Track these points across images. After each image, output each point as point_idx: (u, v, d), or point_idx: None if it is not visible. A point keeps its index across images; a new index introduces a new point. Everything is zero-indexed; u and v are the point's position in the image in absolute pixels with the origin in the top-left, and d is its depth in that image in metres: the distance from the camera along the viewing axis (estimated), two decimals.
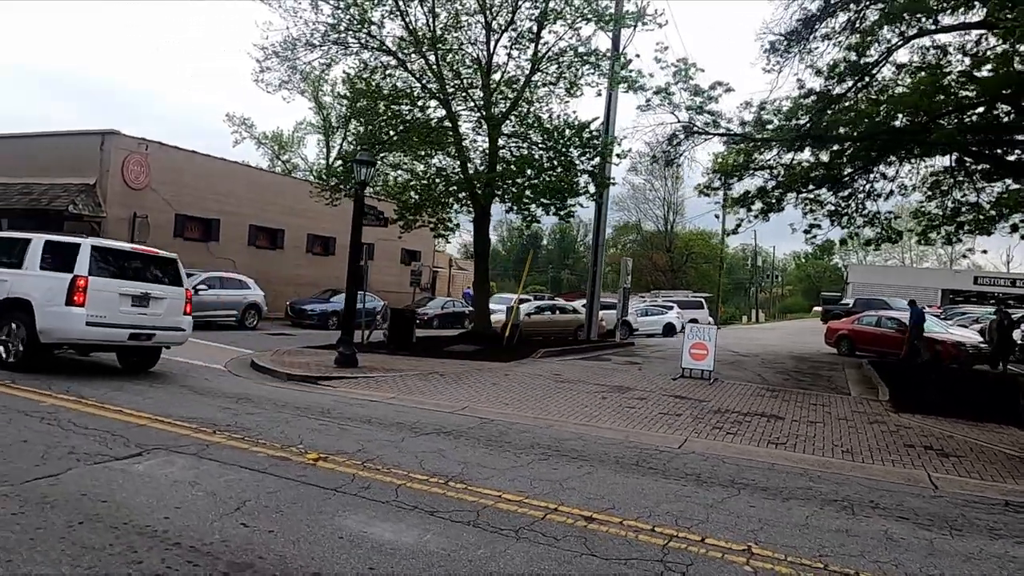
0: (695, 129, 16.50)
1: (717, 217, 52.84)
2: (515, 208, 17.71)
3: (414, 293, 31.44)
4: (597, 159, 17.42)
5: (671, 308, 35.04)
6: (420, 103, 17.75)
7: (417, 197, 19.43)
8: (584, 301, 24.24)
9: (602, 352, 18.56)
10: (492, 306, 37.88)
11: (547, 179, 16.61)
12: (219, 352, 15.26)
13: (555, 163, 16.44)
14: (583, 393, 11.21)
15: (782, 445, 8.33)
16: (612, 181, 17.08)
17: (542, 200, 16.53)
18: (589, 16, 16.25)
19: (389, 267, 34.56)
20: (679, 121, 16.94)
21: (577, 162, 16.89)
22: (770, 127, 17.50)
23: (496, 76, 17.77)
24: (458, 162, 18.08)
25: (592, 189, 17.41)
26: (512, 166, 16.97)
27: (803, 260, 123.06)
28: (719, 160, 18.93)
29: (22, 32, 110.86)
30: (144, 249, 10.92)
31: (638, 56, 14.91)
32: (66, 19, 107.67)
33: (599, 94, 19.00)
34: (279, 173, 41.52)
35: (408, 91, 17.43)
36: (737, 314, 60.54)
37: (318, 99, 57.73)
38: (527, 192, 16.93)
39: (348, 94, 18.36)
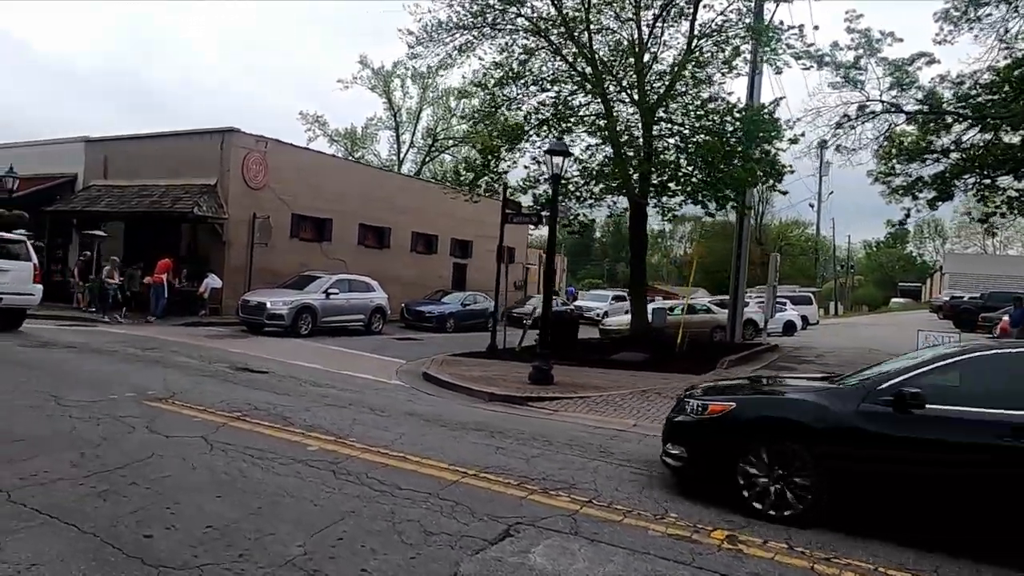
0: (894, 107, 14.54)
1: (812, 206, 50.04)
2: (664, 200, 16.09)
3: (520, 291, 30.20)
4: (763, 145, 15.62)
5: (784, 305, 32.86)
6: (571, 88, 16.25)
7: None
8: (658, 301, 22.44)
9: (772, 358, 16.80)
10: (589, 303, 36.43)
11: (721, 170, 14.91)
12: (369, 362, 14.16)
13: (722, 151, 14.71)
14: None
15: None
16: (790, 169, 15.28)
17: (709, 193, 14.81)
18: None
19: (487, 265, 33.30)
20: (870, 99, 15.00)
21: (751, 151, 15.12)
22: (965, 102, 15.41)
23: (650, 57, 16.19)
24: (610, 150, 16.53)
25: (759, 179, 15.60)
26: (677, 156, 15.32)
27: (875, 248, 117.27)
28: (899, 142, 16.87)
29: (61, 29, 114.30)
30: None
31: (816, 29, 13.55)
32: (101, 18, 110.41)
33: (757, 72, 17.23)
34: (385, 169, 40.57)
35: (561, 75, 15.95)
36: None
37: (389, 95, 57.40)
38: (689, 185, 15.26)
39: (490, 81, 16.97)
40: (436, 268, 29.61)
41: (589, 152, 17.88)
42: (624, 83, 16.35)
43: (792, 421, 5.26)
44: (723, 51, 15.96)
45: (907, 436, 4.82)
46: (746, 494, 5.17)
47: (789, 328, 29.69)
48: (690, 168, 15.02)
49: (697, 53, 16.03)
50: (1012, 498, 4.49)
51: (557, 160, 11.11)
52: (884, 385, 5.09)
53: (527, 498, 5.19)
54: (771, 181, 15.25)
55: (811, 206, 47.22)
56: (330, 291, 18.48)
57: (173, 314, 19.09)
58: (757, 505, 5.11)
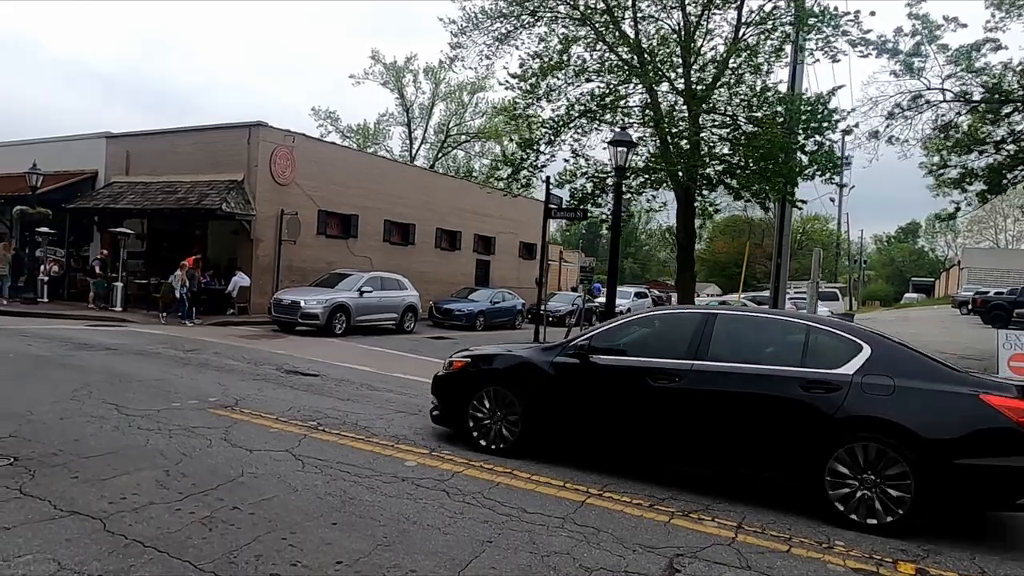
0: (962, 96, 13.92)
1: (833, 200, 49.25)
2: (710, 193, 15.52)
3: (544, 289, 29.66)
4: (815, 136, 15.02)
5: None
6: (618, 78, 15.66)
7: (591, 185, 17.41)
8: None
9: None
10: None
11: (777, 162, 14.33)
12: (412, 363, 13.64)
13: (779, 142, 14.11)
14: None
15: None
16: (848, 160, 14.68)
17: (763, 186, 14.21)
18: None
19: (509, 261, 32.84)
20: (931, 87, 14.38)
21: (805, 141, 14.52)
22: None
23: (696, 45, 15.62)
24: (656, 142, 15.96)
25: (813, 172, 14.99)
26: (731, 147, 14.73)
27: (886, 243, 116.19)
28: (955, 133, 16.22)
29: (75, 30, 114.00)
30: None
31: (873, 15, 13.19)
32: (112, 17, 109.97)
33: (799, 62, 16.59)
34: (410, 164, 39.88)
35: (604, 65, 15.37)
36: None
37: (401, 90, 56.85)
38: (743, 177, 14.67)
39: (528, 72, 16.38)
40: (459, 265, 29.09)
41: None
42: (669, 73, 15.78)
43: (505, 370, 6.44)
44: (771, 38, 15.39)
45: (585, 380, 5.98)
46: (475, 434, 6.33)
47: None
48: (745, 160, 14.41)
49: (744, 42, 15.49)
50: (653, 424, 5.68)
51: (621, 151, 10.54)
52: (574, 342, 6.28)
53: (670, 522, 4.66)
54: (828, 174, 14.64)
55: (832, 200, 46.38)
56: (363, 289, 17.96)
57: (202, 313, 18.62)
58: (482, 442, 6.27)
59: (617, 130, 12.31)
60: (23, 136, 34.15)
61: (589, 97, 16.33)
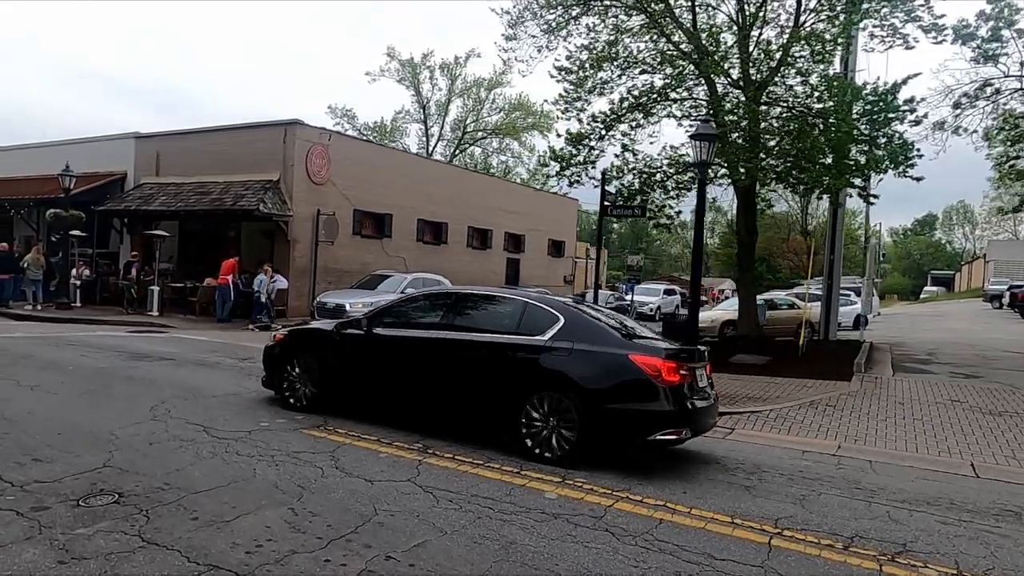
0: None
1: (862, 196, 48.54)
2: (782, 187, 14.83)
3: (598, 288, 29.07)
4: (885, 128, 14.31)
5: (850, 297, 31.45)
6: (672, 67, 15.02)
7: (639, 181, 16.79)
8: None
9: (887, 358, 15.52)
10: (641, 298, 35.02)
11: (848, 156, 13.66)
12: None
13: (851, 136, 13.42)
14: None
15: None
16: (918, 153, 13.92)
17: (835, 181, 13.51)
18: None
19: (538, 259, 32.24)
20: (1007, 74, 13.67)
21: (876, 133, 13.83)
22: None
23: (757, 34, 14.98)
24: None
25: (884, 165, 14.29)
26: (796, 140, 14.04)
27: (902, 236, 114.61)
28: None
29: (84, 34, 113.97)
30: None
31: None
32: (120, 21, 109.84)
33: (851, 51, 15.93)
34: (442, 161, 39.18)
35: (666, 54, 14.73)
36: None
37: (417, 87, 56.26)
38: (813, 171, 13.98)
39: (578, 65, 15.76)
40: (491, 264, 28.52)
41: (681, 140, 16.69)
42: (725, 64, 15.12)
43: (310, 342, 7.68)
44: (833, 26, 14.71)
45: (372, 346, 7.15)
46: (287, 394, 7.57)
47: (858, 322, 28.31)
48: (812, 153, 13.72)
49: (804, 29, 14.82)
50: (415, 382, 6.85)
51: (705, 145, 9.88)
52: (359, 316, 7.77)
53: (882, 571, 4.06)
54: (901, 167, 13.93)
55: (862, 196, 45.39)
56: (406, 291, 17.39)
57: (237, 316, 18.15)
58: (292, 400, 7.53)
59: (695, 124, 11.66)
60: (31, 138, 33.80)
61: (638, 92, 15.75)
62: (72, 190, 18.78)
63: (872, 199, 14.14)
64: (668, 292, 36.82)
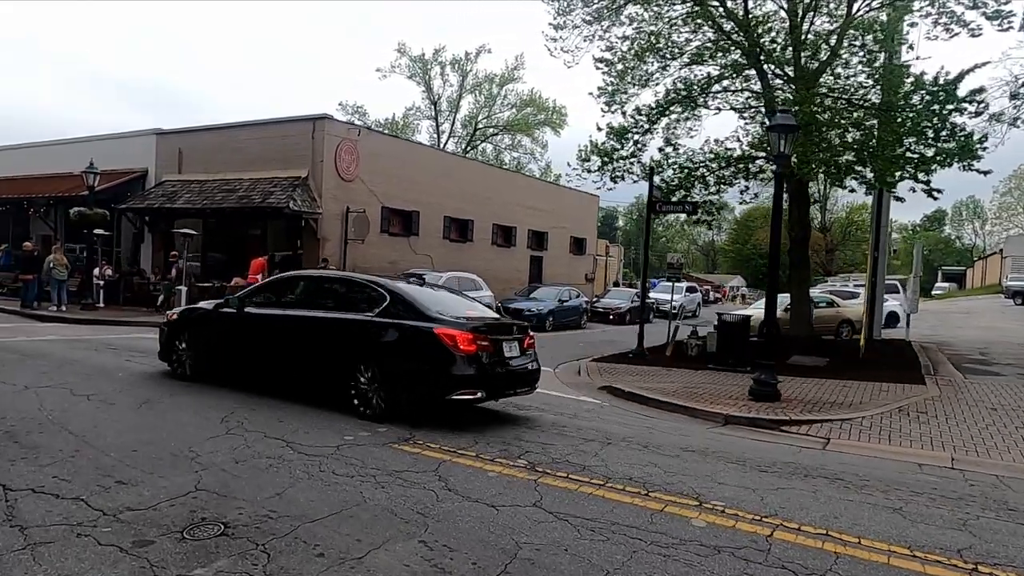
0: None
1: (926, 191, 48.00)
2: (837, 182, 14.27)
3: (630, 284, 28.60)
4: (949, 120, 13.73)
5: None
6: (722, 57, 14.49)
7: (680, 176, 16.25)
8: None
9: (941, 358, 14.98)
10: (662, 295, 34.41)
11: (910, 149, 13.12)
12: None
13: (915, 128, 12.87)
14: None
15: None
16: (983, 145, 13.36)
17: (895, 174, 12.94)
18: None
19: (560, 257, 31.70)
20: None
21: (939, 124, 13.27)
22: None
23: (810, 24, 14.43)
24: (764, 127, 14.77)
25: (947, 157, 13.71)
26: (855, 132, 13.50)
27: (911, 232, 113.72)
28: None
29: (88, 35, 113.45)
30: None
31: None
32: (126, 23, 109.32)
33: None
34: (466, 157, 38.52)
35: (717, 43, 14.19)
36: None
37: (428, 83, 55.69)
38: (875, 165, 13.42)
39: (620, 56, 15.23)
40: (515, 261, 28.01)
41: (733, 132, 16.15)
42: (774, 54, 14.57)
43: (193, 319, 8.73)
44: (887, 14, 14.16)
45: (241, 323, 8.11)
46: (176, 365, 8.74)
47: (892, 320, 27.74)
48: (872, 146, 13.17)
49: (858, 18, 14.28)
50: (276, 353, 7.83)
51: (785, 138, 9.34)
52: (235, 296, 8.56)
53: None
54: (967, 160, 13.37)
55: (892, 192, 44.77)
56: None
57: None
58: (179, 370, 8.67)
59: (747, 117, 11.14)
60: (31, 138, 33.33)
61: (684, 84, 15.22)
62: (97, 187, 18.29)
63: (936, 194, 13.57)
64: (691, 289, 36.26)
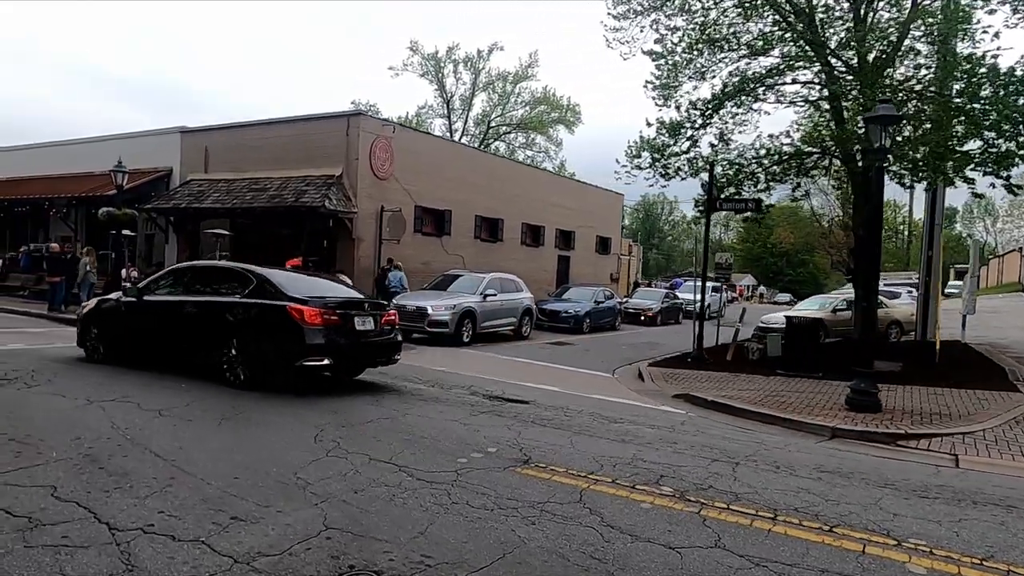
0: None
1: (905, 186, 47.14)
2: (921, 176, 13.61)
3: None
4: None
5: (913, 292, 30.18)
6: (780, 48, 13.88)
7: (731, 172, 15.64)
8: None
9: (1011, 362, 14.32)
10: (687, 295, 33.65)
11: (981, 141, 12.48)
12: (576, 377, 12.05)
13: (1001, 119, 12.21)
14: None
15: None
16: None
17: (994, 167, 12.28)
18: None
19: (586, 257, 31.07)
20: None
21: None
22: None
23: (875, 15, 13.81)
24: (828, 118, 14.20)
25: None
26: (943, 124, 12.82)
27: (922, 229, 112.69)
28: None
29: (92, 35, 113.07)
30: None
31: None
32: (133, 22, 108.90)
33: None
34: (496, 154, 37.66)
35: (783, 28, 13.57)
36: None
37: (441, 81, 55.10)
38: (947, 158, 12.78)
39: (670, 48, 14.60)
40: (543, 261, 27.38)
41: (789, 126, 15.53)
42: (834, 44, 13.96)
43: (103, 310, 9.65)
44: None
45: (140, 309, 9.12)
46: (90, 350, 9.65)
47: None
48: (953, 140, 12.53)
49: (923, 6, 13.65)
50: (171, 334, 8.87)
51: (886, 130, 8.71)
52: (135, 287, 9.66)
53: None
54: None
55: (905, 186, 44.04)
56: (487, 293, 16.29)
57: None
58: (93, 356, 9.58)
59: (880, 104, 10.52)
60: (31, 139, 32.76)
61: (740, 77, 14.60)
62: (125, 186, 17.72)
63: (1016, 189, 12.93)
64: (715, 289, 35.55)
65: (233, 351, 7.99)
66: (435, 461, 5.52)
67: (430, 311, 14.81)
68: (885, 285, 33.10)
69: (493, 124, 56.85)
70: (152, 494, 4.47)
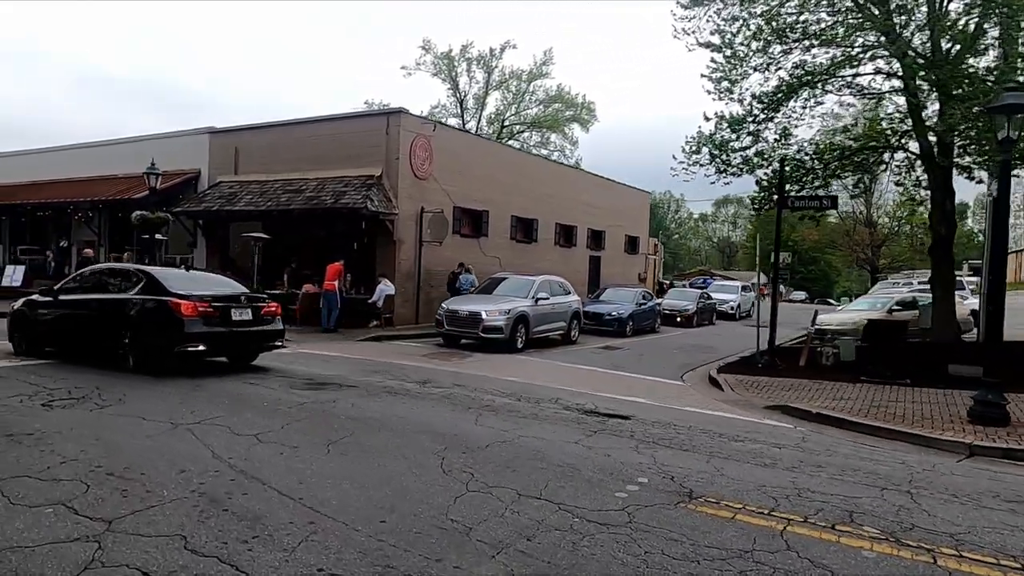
0: None
1: (974, 180, 46.61)
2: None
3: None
4: None
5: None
6: (855, 34, 13.24)
7: (790, 167, 14.99)
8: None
9: None
10: (718, 295, 32.95)
11: None
12: (641, 385, 11.40)
13: None
14: None
15: None
16: None
17: None
18: None
19: (616, 257, 30.42)
20: None
21: None
22: None
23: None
24: (903, 113, 13.56)
25: None
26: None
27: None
28: None
29: (87, 34, 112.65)
30: None
31: None
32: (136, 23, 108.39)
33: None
34: (530, 153, 36.79)
35: (862, 11, 12.92)
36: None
37: (455, 79, 54.41)
38: None
39: (729, 39, 13.96)
40: (575, 262, 26.72)
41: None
42: (904, 35, 13.30)
43: (28, 307, 10.56)
44: None
45: (54, 306, 10.17)
46: (17, 344, 10.56)
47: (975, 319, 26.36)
48: None
49: None
50: (80, 327, 9.89)
51: (1012, 120, 8.06)
52: (52, 287, 10.73)
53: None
54: None
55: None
56: (539, 296, 15.64)
57: (341, 325, 16.46)
58: (19, 348, 10.49)
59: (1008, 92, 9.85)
60: (32, 141, 32.11)
61: (806, 69, 13.95)
62: (157, 189, 17.14)
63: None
64: (745, 288, 34.89)
65: (127, 340, 9.09)
66: (591, 496, 4.88)
67: (484, 316, 14.18)
68: (919, 284, 32.41)
69: (507, 123, 56.12)
70: (299, 545, 3.85)
